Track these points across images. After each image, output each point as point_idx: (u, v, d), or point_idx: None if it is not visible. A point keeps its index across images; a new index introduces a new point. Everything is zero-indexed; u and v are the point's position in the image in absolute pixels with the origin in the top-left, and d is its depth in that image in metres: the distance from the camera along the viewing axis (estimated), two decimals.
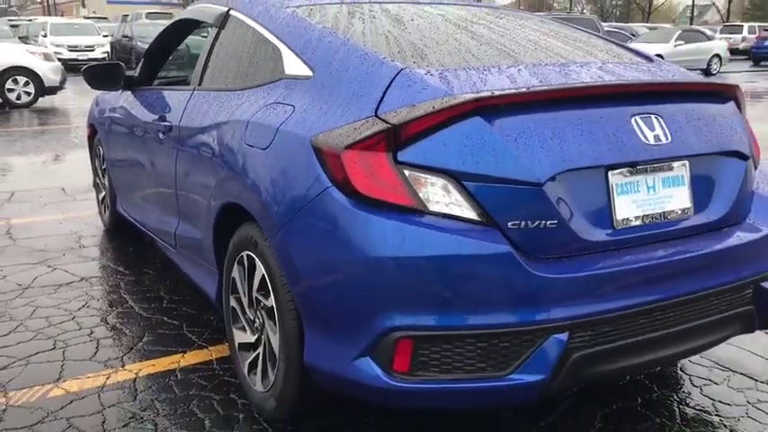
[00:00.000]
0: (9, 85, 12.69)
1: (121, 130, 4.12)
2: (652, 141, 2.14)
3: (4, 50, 13.00)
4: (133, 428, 2.50)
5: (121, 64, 4.08)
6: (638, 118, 2.16)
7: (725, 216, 2.32)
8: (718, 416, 2.61)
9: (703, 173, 2.29)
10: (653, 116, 2.19)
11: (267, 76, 2.63)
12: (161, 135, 3.34)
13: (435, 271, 1.92)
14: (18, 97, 12.82)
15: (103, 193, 4.94)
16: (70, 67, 18.95)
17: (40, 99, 13.18)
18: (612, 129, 2.11)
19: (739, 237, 2.31)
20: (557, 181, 2.00)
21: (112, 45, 24.98)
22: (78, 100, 14.49)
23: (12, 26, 23.05)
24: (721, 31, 36.36)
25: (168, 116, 3.32)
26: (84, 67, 4.12)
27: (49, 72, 12.93)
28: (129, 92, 4.08)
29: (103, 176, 4.84)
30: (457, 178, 1.97)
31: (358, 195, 1.99)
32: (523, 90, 2.08)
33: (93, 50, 23.57)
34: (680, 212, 2.23)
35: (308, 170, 2.12)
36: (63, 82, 13.21)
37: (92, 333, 3.28)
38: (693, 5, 64.83)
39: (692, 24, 50.81)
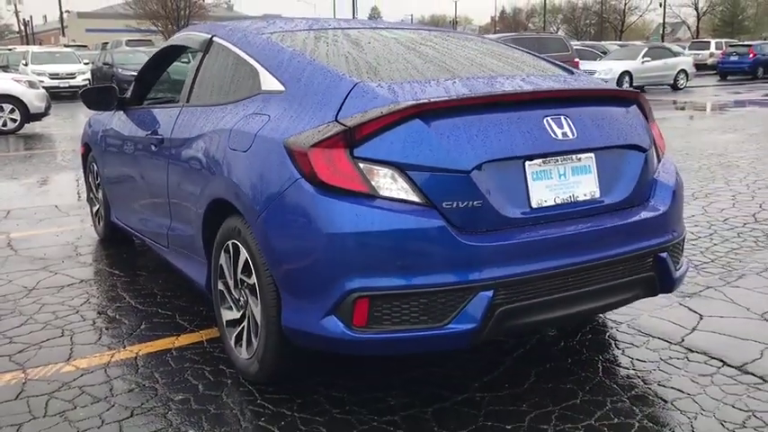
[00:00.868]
0: None
1: (116, 144, 4.58)
2: (560, 137, 2.64)
3: None
4: (137, 393, 2.93)
5: (115, 87, 4.57)
6: (549, 119, 2.65)
7: (627, 198, 2.81)
8: (634, 370, 3.09)
9: (608, 163, 2.79)
10: (562, 117, 2.68)
11: (246, 92, 3.11)
12: (153, 147, 3.80)
13: (385, 243, 2.40)
14: (4, 124, 13.23)
15: (97, 206, 5.37)
16: (52, 94, 19.28)
17: (26, 125, 13.57)
18: (527, 128, 2.60)
19: (640, 215, 2.81)
20: (482, 170, 2.49)
21: (93, 72, 25.39)
22: (62, 126, 14.92)
23: None
24: (690, 48, 37.47)
25: (159, 130, 3.78)
26: (82, 90, 4.60)
27: (35, 99, 13.37)
28: (122, 111, 4.55)
29: (97, 191, 5.28)
30: (401, 169, 2.45)
31: (322, 184, 2.46)
32: (455, 97, 2.57)
33: (74, 78, 23.96)
34: (588, 195, 2.72)
35: (281, 166, 2.59)
36: (48, 108, 13.66)
37: (95, 323, 3.71)
38: (664, 23, 66.40)
39: (663, 41, 52.14)
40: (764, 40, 40.81)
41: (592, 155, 2.74)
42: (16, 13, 64.97)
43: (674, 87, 24.02)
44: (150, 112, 4.15)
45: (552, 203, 2.64)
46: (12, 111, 13.23)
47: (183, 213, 3.48)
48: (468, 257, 2.42)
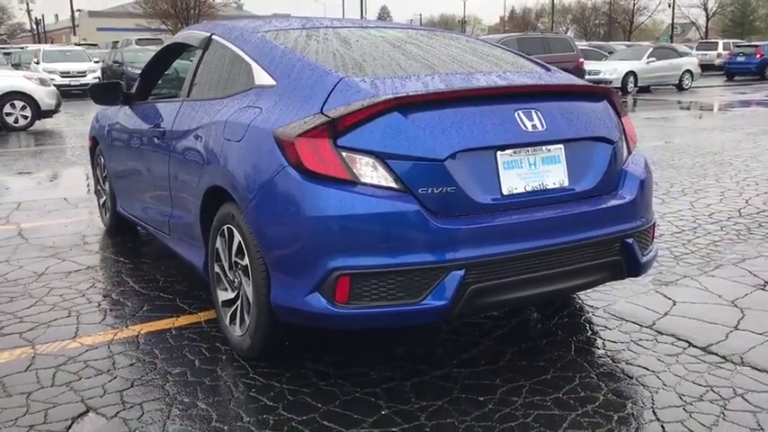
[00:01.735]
0: (7, 109, 13.37)
1: (121, 137, 4.81)
2: (530, 129, 2.84)
3: (2, 76, 13.73)
4: (138, 367, 3.14)
5: (121, 82, 4.81)
6: (520, 112, 2.85)
7: (595, 187, 3.00)
8: (605, 350, 3.28)
9: (577, 154, 2.98)
10: (533, 111, 2.88)
11: (241, 86, 3.32)
12: (156, 139, 4.01)
13: (365, 225, 2.60)
14: (16, 121, 13.49)
15: (104, 198, 5.60)
16: (63, 92, 19.58)
17: (37, 122, 13.86)
18: (499, 120, 2.80)
19: (607, 203, 3.00)
20: (456, 158, 2.69)
21: (103, 71, 25.72)
22: (72, 123, 15.20)
23: (4, 54, 23.73)
24: (697, 48, 37.50)
25: (162, 123, 4.00)
26: (90, 85, 4.83)
27: (45, 96, 13.64)
28: (128, 106, 4.77)
29: (104, 183, 5.51)
30: (381, 157, 2.65)
31: (307, 171, 2.67)
32: (431, 91, 2.77)
33: (84, 76, 24.24)
34: (557, 183, 2.91)
35: (270, 155, 2.79)
36: (58, 105, 13.94)
37: (100, 305, 3.93)
38: (673, 24, 66.25)
39: (671, 42, 52.10)
40: None
41: (561, 146, 2.94)
42: (28, 11, 65.70)
43: (680, 88, 24.08)
44: (154, 107, 4.37)
45: (522, 191, 2.83)
46: (23, 108, 13.50)
47: (183, 201, 3.69)
48: (441, 240, 2.62)
